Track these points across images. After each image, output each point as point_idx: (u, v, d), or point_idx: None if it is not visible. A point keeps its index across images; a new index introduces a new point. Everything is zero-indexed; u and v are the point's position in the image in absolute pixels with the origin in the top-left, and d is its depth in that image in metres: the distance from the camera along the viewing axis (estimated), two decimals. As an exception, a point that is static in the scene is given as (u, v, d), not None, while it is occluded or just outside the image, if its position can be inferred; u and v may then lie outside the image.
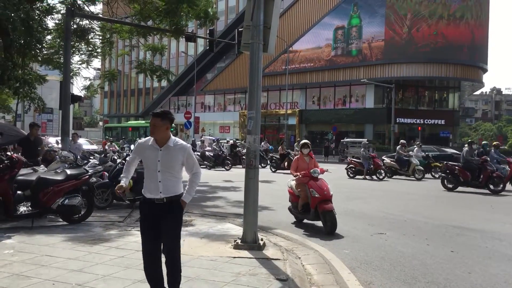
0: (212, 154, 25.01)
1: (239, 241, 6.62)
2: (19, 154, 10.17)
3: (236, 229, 7.93)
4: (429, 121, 41.73)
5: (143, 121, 43.87)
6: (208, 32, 21.39)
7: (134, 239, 6.97)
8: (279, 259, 6.04)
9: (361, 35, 42.03)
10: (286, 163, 22.37)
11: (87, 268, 5.40)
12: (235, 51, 24.72)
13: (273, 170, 23.53)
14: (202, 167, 24.47)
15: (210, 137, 33.96)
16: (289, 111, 44.19)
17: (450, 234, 8.41)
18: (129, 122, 48.75)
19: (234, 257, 6.04)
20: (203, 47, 50.90)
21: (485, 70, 43.72)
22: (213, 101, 57.43)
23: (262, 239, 6.80)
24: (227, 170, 23.87)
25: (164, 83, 51.30)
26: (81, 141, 26.82)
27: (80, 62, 20.18)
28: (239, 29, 17.64)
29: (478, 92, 73.73)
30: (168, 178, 4.21)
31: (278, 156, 23.56)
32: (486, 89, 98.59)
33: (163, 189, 4.20)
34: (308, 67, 45.71)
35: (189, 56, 52.92)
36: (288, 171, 21.89)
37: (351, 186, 16.98)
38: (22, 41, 15.80)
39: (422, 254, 6.84)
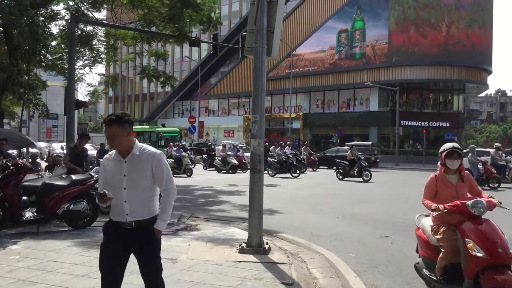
0: (275, 160, 23.42)
1: (244, 245, 6.61)
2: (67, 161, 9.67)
3: (241, 233, 7.91)
4: (434, 124, 41.60)
5: (147, 126, 43.79)
6: (211, 36, 21.47)
7: (139, 244, 6.97)
8: (285, 263, 6.02)
9: (365, 38, 42.02)
10: (356, 170, 20.58)
11: (92, 274, 5.39)
12: (239, 55, 24.76)
13: (340, 177, 21.16)
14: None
15: (231, 142, 33.05)
16: (293, 115, 44.15)
17: (456, 237, 8.35)
18: (133, 127, 48.97)
19: (240, 262, 6.02)
20: (207, 52, 50.98)
21: (489, 72, 43.57)
22: (217, 105, 57.51)
23: (267, 243, 6.79)
24: (295, 177, 21.95)
25: (168, 88, 51.50)
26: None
27: (82, 66, 20.34)
28: (243, 33, 17.68)
29: (483, 94, 73.48)
30: (136, 196, 3.40)
31: (346, 162, 21.23)
32: (491, 91, 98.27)
33: (130, 211, 3.38)
34: (311, 70, 45.70)
35: (193, 60, 53.05)
36: (359, 180, 20.01)
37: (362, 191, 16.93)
38: (27, 47, 15.93)
39: (428, 257, 6.80)
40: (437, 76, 40.36)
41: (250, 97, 8.16)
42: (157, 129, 39.00)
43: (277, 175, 22.72)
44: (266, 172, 22.62)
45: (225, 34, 50.17)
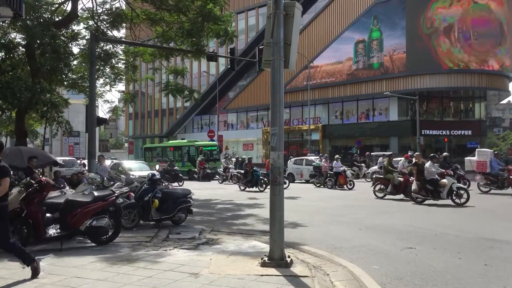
0: None
1: (266, 258, 6.56)
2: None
3: (262, 247, 7.87)
4: (456, 132, 40.98)
5: (185, 140, 42.48)
6: (229, 51, 21.67)
7: (161, 259, 6.99)
8: (307, 276, 5.96)
9: (382, 48, 41.81)
10: None
11: (115, 289, 5.42)
12: (256, 68, 24.91)
13: None
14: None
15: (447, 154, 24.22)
16: (312, 127, 44.02)
17: (483, 247, 8.18)
18: (170, 141, 48.09)
19: (262, 275, 5.98)
20: (225, 66, 51.42)
21: (511, 79, 42.89)
22: (236, 119, 57.72)
23: (289, 256, 6.73)
24: None
25: (187, 103, 51.85)
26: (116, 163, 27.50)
27: (103, 85, 20.69)
28: (260, 47, 17.79)
29: (505, 101, 72.20)
30: None
31: None
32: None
33: None
34: (329, 82, 45.60)
35: (211, 75, 53.47)
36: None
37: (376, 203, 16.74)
38: (49, 67, 16.27)
39: (455, 268, 6.66)
40: (457, 84, 39.84)
41: (269, 110, 8.16)
42: (196, 143, 37.86)
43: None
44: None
45: (242, 48, 50.50)
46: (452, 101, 43.91)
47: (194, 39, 16.95)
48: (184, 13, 15.77)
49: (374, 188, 17.67)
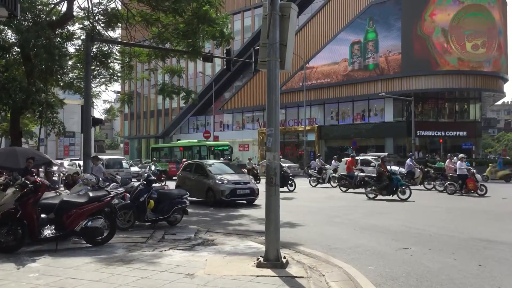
0: None
1: (261, 259, 6.57)
2: None
3: (258, 247, 7.87)
4: (451, 133, 41.13)
5: (195, 140, 40.59)
6: (224, 51, 21.60)
7: (157, 260, 6.98)
8: (303, 277, 5.97)
9: (378, 49, 41.91)
10: None
11: (111, 290, 5.41)
12: (252, 69, 24.83)
13: None
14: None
15: None
16: (307, 128, 44.07)
17: (477, 247, 8.21)
18: (179, 141, 47.21)
19: (257, 276, 5.98)
20: (220, 67, 51.35)
21: (505, 80, 43.07)
22: (232, 119, 57.69)
23: (285, 257, 6.74)
24: None
25: (182, 103, 51.74)
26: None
27: (98, 85, 20.61)
28: (256, 48, 17.79)
29: (499, 102, 72.54)
30: None
31: None
32: (507, 99, 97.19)
33: None
34: (325, 83, 45.67)
35: (207, 76, 53.41)
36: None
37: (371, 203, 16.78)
38: (44, 67, 16.23)
39: (449, 269, 6.69)
40: (452, 85, 39.98)
41: (264, 110, 8.17)
42: (207, 142, 36.62)
43: None
44: None
45: (238, 48, 50.51)
46: (447, 102, 44.08)
47: (190, 40, 16.91)
48: (180, 14, 15.73)
49: None
